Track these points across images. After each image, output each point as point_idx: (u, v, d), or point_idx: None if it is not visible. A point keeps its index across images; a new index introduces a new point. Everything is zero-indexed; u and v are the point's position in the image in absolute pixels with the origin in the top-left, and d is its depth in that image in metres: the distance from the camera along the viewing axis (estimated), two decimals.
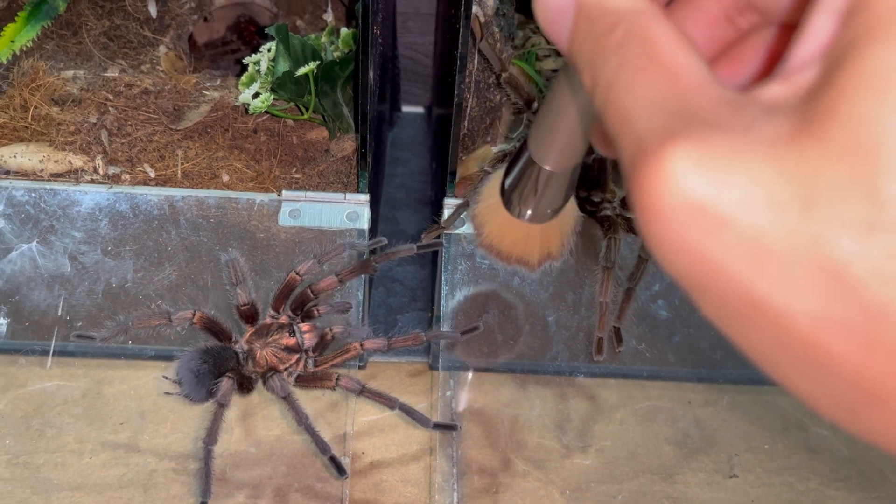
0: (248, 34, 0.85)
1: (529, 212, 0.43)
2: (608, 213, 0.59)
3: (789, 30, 0.22)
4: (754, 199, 0.17)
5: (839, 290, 0.16)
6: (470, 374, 0.61)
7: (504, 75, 0.60)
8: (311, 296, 0.55)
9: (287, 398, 0.52)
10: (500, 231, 0.49)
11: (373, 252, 0.58)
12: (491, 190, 0.46)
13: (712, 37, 0.25)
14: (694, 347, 0.61)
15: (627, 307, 0.58)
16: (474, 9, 0.59)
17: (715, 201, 0.17)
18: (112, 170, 0.61)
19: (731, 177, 0.17)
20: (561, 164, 0.37)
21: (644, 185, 0.18)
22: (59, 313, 0.59)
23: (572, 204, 0.48)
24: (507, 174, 0.42)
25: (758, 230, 0.17)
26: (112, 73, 0.68)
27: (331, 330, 0.55)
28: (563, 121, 0.33)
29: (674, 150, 0.18)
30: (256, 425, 0.58)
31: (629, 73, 0.20)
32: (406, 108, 0.94)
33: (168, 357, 0.58)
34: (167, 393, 0.54)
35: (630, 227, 0.59)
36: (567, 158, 0.37)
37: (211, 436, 0.50)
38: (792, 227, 0.17)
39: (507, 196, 0.43)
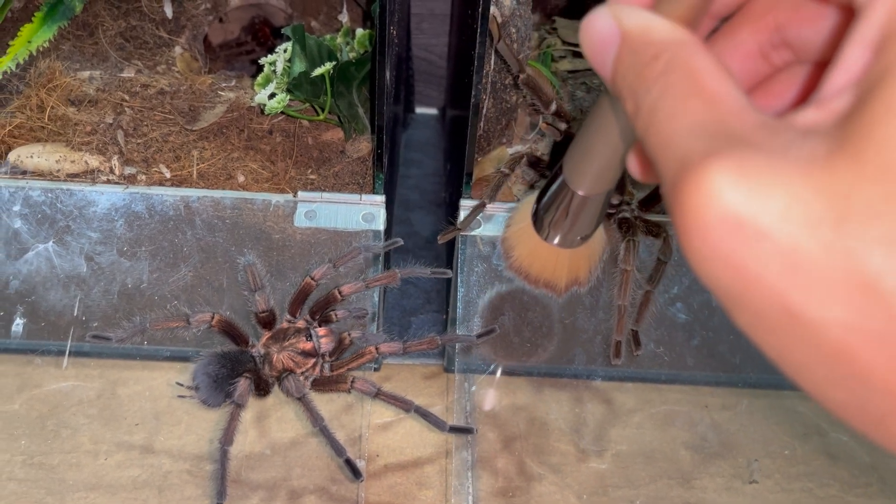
0: (263, 35, 0.85)
1: (560, 237, 0.44)
2: (626, 215, 0.58)
3: (820, 67, 0.24)
4: (791, 214, 0.18)
5: (870, 302, 0.17)
6: (498, 374, 0.61)
7: (522, 76, 0.60)
8: (339, 297, 0.55)
9: (303, 399, 0.52)
10: (530, 255, 0.49)
11: (387, 255, 0.58)
12: (523, 214, 0.47)
13: (747, 70, 0.27)
14: (713, 351, 0.61)
15: (646, 310, 0.57)
16: (491, 9, 0.59)
17: (754, 215, 0.18)
18: (128, 170, 0.61)
19: (770, 192, 0.18)
20: (595, 190, 0.38)
21: (685, 201, 0.19)
22: (75, 313, 0.59)
23: (601, 231, 0.49)
24: (539, 199, 0.44)
25: (794, 243, 0.18)
26: (128, 73, 0.68)
27: (349, 334, 0.55)
28: (600, 146, 0.34)
29: (715, 166, 0.19)
30: (271, 427, 0.57)
31: (671, 99, 0.21)
32: (420, 110, 0.94)
33: (183, 358, 0.58)
34: (181, 397, 0.54)
35: (648, 230, 0.58)
36: (601, 184, 0.38)
37: (227, 436, 0.50)
38: (826, 241, 0.18)
39: (538, 220, 0.44)
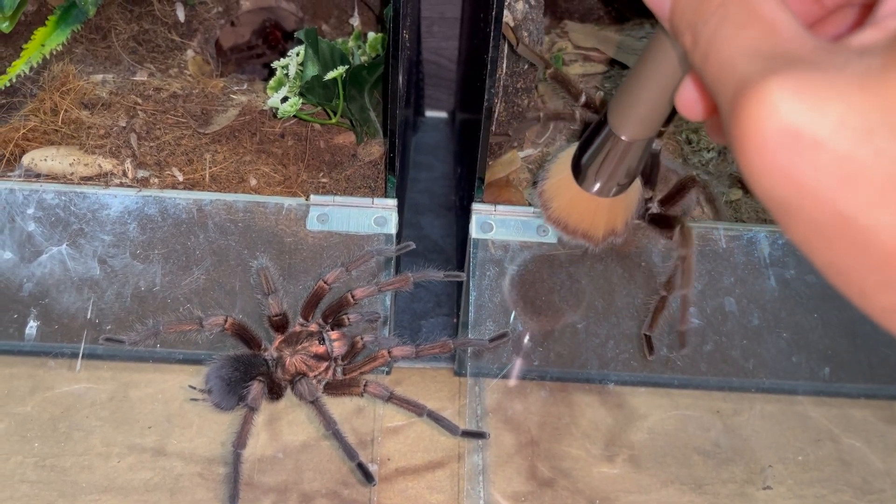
0: (274, 39, 0.85)
1: (600, 184, 0.45)
2: (654, 210, 0.59)
3: (868, 8, 0.25)
4: (847, 124, 0.19)
5: None
6: (512, 379, 0.61)
7: (550, 71, 0.61)
8: (352, 301, 0.55)
9: (315, 402, 0.52)
10: (569, 205, 0.50)
11: (397, 259, 0.58)
12: (561, 166, 0.48)
13: (801, 13, 0.28)
14: (725, 356, 0.60)
15: (659, 315, 0.57)
16: (504, 14, 0.59)
17: (810, 125, 0.20)
18: (141, 173, 0.62)
19: (826, 104, 0.20)
20: (639, 135, 0.39)
21: (745, 117, 0.21)
22: (89, 316, 0.59)
23: (637, 184, 0.50)
24: (581, 149, 0.44)
25: (849, 152, 0.19)
26: (141, 76, 0.69)
27: (361, 338, 0.55)
28: (649, 88, 0.35)
29: (773, 83, 0.20)
30: (282, 430, 0.57)
31: (730, 28, 0.23)
32: (429, 114, 0.94)
33: (196, 361, 0.58)
34: (194, 400, 0.54)
35: (665, 224, 0.58)
36: (646, 128, 0.39)
37: (240, 440, 0.50)
38: (880, 149, 0.19)
39: (579, 170, 0.45)
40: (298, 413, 0.58)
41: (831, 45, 0.21)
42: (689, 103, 0.30)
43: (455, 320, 0.67)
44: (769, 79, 0.20)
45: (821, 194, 0.20)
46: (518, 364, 0.60)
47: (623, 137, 0.40)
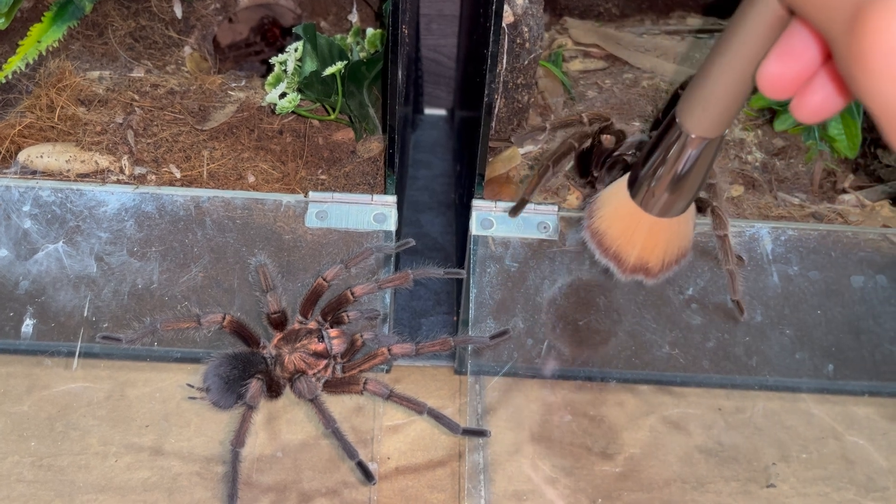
0: (272, 35, 0.85)
1: (655, 195, 0.43)
2: None
3: None
4: None
5: None
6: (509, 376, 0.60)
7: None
8: (352, 298, 0.54)
9: (314, 401, 0.51)
10: (612, 216, 0.47)
11: (397, 256, 0.58)
12: (620, 183, 0.46)
13: None
14: (728, 353, 0.60)
15: (735, 284, 0.58)
16: (505, 8, 0.59)
17: None
18: (138, 170, 0.61)
19: None
20: (712, 129, 0.38)
21: (871, 28, 0.23)
22: (85, 314, 0.58)
23: (691, 218, 0.47)
24: (643, 158, 0.42)
25: None
26: (138, 73, 0.68)
27: (361, 336, 0.54)
28: (726, 73, 0.35)
29: None
30: (281, 429, 0.57)
31: None
32: (428, 111, 0.94)
33: (194, 359, 0.58)
34: (192, 398, 0.54)
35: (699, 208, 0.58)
36: (721, 121, 0.38)
37: (239, 438, 0.49)
38: None
39: (634, 179, 0.43)
40: (297, 412, 0.58)
41: None
42: (774, 79, 0.30)
43: (455, 318, 0.67)
44: None
45: None
46: (519, 361, 0.60)
47: (693, 135, 0.39)
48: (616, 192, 0.45)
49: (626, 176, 0.45)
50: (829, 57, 0.30)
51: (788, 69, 0.30)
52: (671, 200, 0.42)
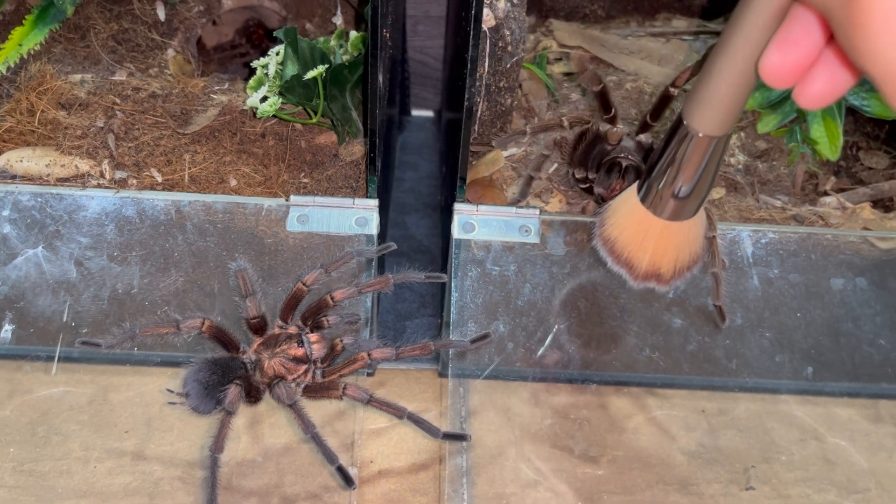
0: (257, 38, 0.84)
1: (664, 197, 0.43)
2: None
3: None
4: None
5: None
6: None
7: (596, 89, 0.59)
8: (332, 303, 0.54)
9: (293, 406, 0.51)
10: (623, 222, 0.47)
11: (381, 259, 0.58)
12: (630, 191, 0.46)
13: None
14: (709, 356, 0.60)
15: (720, 288, 0.57)
16: (485, 12, 0.59)
17: None
18: (119, 174, 0.61)
19: None
20: (719, 127, 0.38)
21: None
22: (65, 319, 0.58)
23: (700, 222, 0.46)
24: (652, 163, 0.42)
25: None
26: (120, 76, 0.68)
27: (341, 341, 0.54)
28: (728, 69, 0.35)
29: None
30: (263, 433, 0.57)
31: None
32: (416, 113, 0.93)
33: (175, 364, 0.58)
34: (171, 403, 0.54)
35: None
36: (727, 117, 0.38)
37: (217, 444, 0.49)
38: None
39: (645, 183, 0.43)
40: (280, 416, 0.58)
41: None
42: (776, 68, 0.31)
43: (440, 321, 0.67)
44: None
45: None
46: (501, 365, 0.60)
47: (701, 133, 0.39)
48: (626, 199, 0.46)
49: (636, 183, 0.45)
50: (830, 38, 0.30)
51: (789, 57, 0.31)
52: (681, 203, 0.42)
